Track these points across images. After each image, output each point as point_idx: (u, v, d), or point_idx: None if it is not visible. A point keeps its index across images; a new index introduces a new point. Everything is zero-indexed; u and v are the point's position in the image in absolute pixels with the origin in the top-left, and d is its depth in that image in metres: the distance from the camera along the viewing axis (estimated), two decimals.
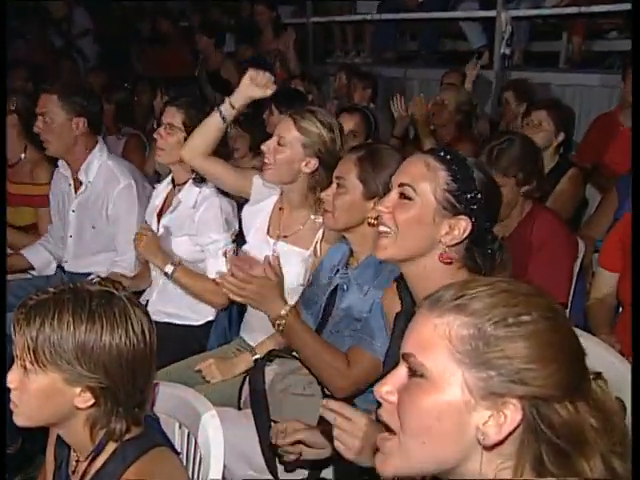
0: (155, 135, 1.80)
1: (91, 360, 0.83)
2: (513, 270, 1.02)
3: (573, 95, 3.36)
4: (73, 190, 2.04)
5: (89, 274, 1.88)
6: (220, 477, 1.00)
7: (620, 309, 1.67)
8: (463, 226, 0.96)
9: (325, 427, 1.02)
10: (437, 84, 3.28)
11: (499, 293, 0.64)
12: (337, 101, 3.44)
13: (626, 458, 0.64)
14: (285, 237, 1.58)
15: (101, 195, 1.98)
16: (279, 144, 1.52)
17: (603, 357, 1.11)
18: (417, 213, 0.96)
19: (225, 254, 1.58)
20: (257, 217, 1.66)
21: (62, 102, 1.93)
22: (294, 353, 1.35)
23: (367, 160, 1.31)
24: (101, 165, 1.99)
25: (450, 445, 0.63)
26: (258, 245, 1.61)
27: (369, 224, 1.15)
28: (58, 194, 2.10)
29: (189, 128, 1.71)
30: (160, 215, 1.84)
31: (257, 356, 1.53)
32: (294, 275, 1.50)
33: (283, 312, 1.25)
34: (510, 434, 0.62)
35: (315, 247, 1.53)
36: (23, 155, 2.23)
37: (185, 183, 1.80)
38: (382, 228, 0.99)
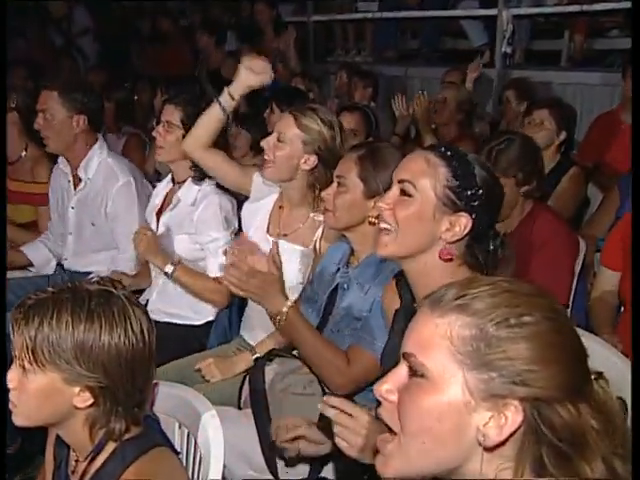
0: (154, 133, 1.80)
1: (90, 360, 0.83)
2: (515, 270, 1.01)
3: (574, 94, 3.35)
4: (72, 187, 2.03)
5: (90, 273, 1.87)
6: (220, 477, 1.00)
7: (622, 308, 1.67)
8: (464, 223, 0.95)
9: (324, 423, 1.02)
10: (438, 83, 3.28)
11: (501, 293, 0.64)
12: (338, 100, 3.43)
13: (628, 460, 0.64)
14: (285, 235, 1.57)
15: (100, 192, 1.97)
16: (279, 140, 1.52)
17: (604, 357, 1.11)
18: (417, 210, 0.96)
19: (225, 252, 1.58)
20: (257, 215, 1.65)
21: (63, 99, 1.93)
22: (294, 352, 1.34)
23: (368, 159, 1.31)
24: (101, 162, 1.99)
25: (450, 446, 0.62)
26: (258, 243, 1.61)
27: (370, 223, 1.14)
28: (57, 191, 2.10)
29: (187, 126, 1.71)
30: (160, 214, 1.84)
31: (257, 355, 1.53)
32: (294, 273, 1.50)
33: (284, 308, 1.25)
34: (511, 435, 0.61)
35: (315, 245, 1.53)
36: (24, 153, 2.23)
37: (185, 181, 1.80)
38: (383, 225, 0.99)
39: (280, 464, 1.24)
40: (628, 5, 2.83)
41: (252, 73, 1.57)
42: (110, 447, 0.88)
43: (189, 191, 1.78)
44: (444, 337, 0.63)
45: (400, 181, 0.98)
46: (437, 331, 0.63)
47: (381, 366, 1.10)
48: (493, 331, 0.62)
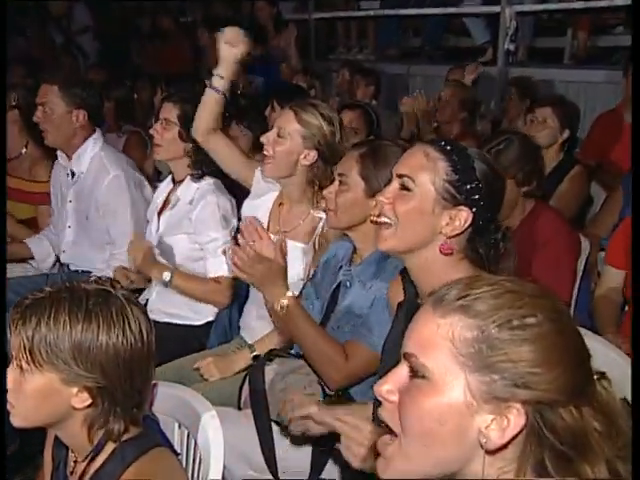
0: (151, 131, 1.79)
1: (88, 360, 0.82)
2: (516, 269, 1.00)
3: (578, 91, 3.33)
4: (70, 180, 2.03)
5: (88, 272, 1.87)
6: (220, 477, 0.99)
7: (626, 307, 1.66)
8: (464, 217, 0.95)
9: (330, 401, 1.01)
10: (440, 80, 3.26)
11: (504, 294, 0.63)
12: (339, 98, 3.42)
13: (630, 462, 0.63)
14: (285, 232, 1.57)
15: (92, 186, 1.97)
16: (279, 136, 1.51)
17: (607, 356, 1.10)
18: (417, 204, 0.96)
19: (224, 252, 1.57)
20: (257, 212, 1.65)
21: (62, 93, 1.92)
22: (292, 351, 1.34)
23: (369, 157, 1.30)
24: (94, 156, 1.98)
25: (451, 448, 0.62)
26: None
27: (372, 221, 1.14)
28: (57, 185, 2.09)
29: (184, 123, 1.71)
30: (161, 213, 1.83)
31: (256, 353, 1.52)
32: (294, 270, 1.49)
33: (285, 298, 1.24)
34: (513, 438, 0.61)
35: (314, 242, 1.53)
36: (24, 150, 2.23)
37: (184, 180, 1.79)
38: (383, 219, 0.99)
39: (280, 465, 1.24)
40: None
41: (230, 47, 1.57)
42: (109, 448, 0.87)
43: (188, 189, 1.77)
44: (446, 338, 0.62)
45: (399, 176, 0.98)
46: (439, 332, 0.63)
47: (381, 358, 1.10)
48: (495, 333, 0.61)
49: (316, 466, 1.23)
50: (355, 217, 1.31)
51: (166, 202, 1.84)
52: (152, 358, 0.88)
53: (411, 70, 4.06)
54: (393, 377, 0.65)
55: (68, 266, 2.08)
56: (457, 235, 0.96)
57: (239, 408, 1.39)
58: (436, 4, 4.03)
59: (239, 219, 1.74)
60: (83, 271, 1.99)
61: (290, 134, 1.50)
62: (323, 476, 1.22)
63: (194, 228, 1.73)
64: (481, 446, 0.61)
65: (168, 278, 1.66)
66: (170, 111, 1.75)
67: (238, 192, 1.79)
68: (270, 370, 1.31)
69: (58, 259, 2.11)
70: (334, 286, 1.34)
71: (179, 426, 1.08)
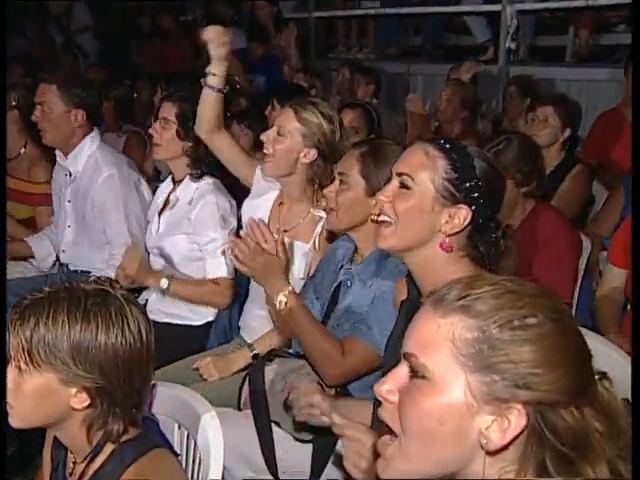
0: (150, 131, 1.79)
1: (86, 360, 0.82)
2: (517, 269, 1.00)
3: (580, 90, 3.32)
4: (68, 180, 2.03)
5: (88, 272, 1.87)
6: (220, 478, 0.99)
7: (628, 306, 1.65)
8: (463, 215, 0.95)
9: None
10: (441, 79, 3.25)
11: (504, 294, 0.63)
12: (339, 97, 3.41)
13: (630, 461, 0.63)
14: (285, 231, 1.57)
15: (88, 185, 1.96)
16: (279, 134, 1.51)
17: (608, 356, 1.10)
18: (416, 202, 0.96)
19: (223, 253, 1.56)
20: (257, 212, 1.65)
21: (61, 92, 1.92)
22: (292, 350, 1.33)
23: (370, 156, 1.30)
24: (90, 155, 1.97)
25: (452, 448, 0.61)
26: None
27: (372, 220, 1.13)
28: (57, 185, 2.09)
29: (182, 121, 1.70)
30: (161, 214, 1.83)
31: (255, 351, 1.52)
32: (294, 268, 1.49)
33: (285, 292, 1.24)
34: (514, 439, 0.60)
35: (315, 240, 1.52)
36: (23, 150, 2.23)
37: (183, 180, 1.79)
38: (383, 217, 0.99)
39: (280, 465, 1.24)
40: None
41: (216, 44, 1.57)
42: (108, 448, 0.87)
43: (187, 189, 1.77)
44: (446, 338, 0.62)
45: (399, 174, 0.98)
46: (439, 332, 0.62)
47: (384, 357, 1.10)
48: (496, 333, 0.61)
49: (317, 466, 1.23)
50: (356, 217, 1.30)
51: (166, 202, 1.84)
52: (151, 358, 0.87)
53: (412, 69, 4.05)
54: (393, 377, 0.65)
55: (67, 266, 2.08)
56: (457, 233, 0.96)
57: (239, 408, 1.39)
58: (437, 2, 4.02)
59: (239, 219, 1.74)
60: (83, 271, 1.98)
61: (290, 132, 1.50)
62: (326, 476, 1.22)
63: (193, 228, 1.73)
64: (481, 447, 0.61)
65: (165, 286, 1.66)
66: (169, 110, 1.75)
67: (238, 192, 1.79)
68: (270, 370, 1.31)
69: (58, 259, 2.11)
70: (335, 285, 1.34)
71: (179, 427, 1.08)
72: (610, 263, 1.69)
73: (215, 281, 1.69)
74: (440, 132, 2.72)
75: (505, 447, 0.61)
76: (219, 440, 1.00)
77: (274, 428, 1.27)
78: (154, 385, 1.03)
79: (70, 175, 2.01)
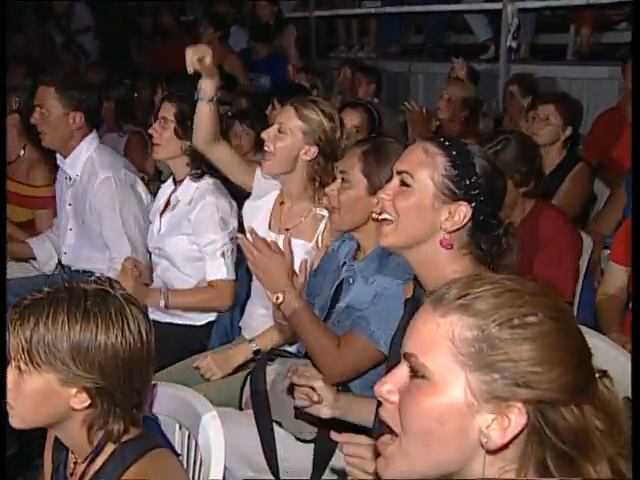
0: (150, 130, 1.79)
1: (86, 360, 0.81)
2: (518, 268, 1.00)
3: (581, 88, 3.31)
4: (68, 183, 2.03)
5: (89, 272, 1.87)
6: (221, 478, 0.99)
7: (630, 304, 1.65)
8: (463, 212, 0.95)
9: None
10: (442, 78, 3.25)
11: (504, 293, 0.63)
12: (340, 96, 3.41)
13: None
14: (287, 230, 1.56)
15: (85, 189, 1.96)
16: (280, 131, 1.51)
17: (609, 354, 1.09)
18: (416, 200, 0.96)
19: (223, 254, 1.56)
20: (258, 213, 1.64)
21: (59, 95, 1.91)
22: (292, 350, 1.33)
23: (371, 154, 1.30)
24: (88, 158, 1.97)
25: (452, 448, 0.61)
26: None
27: (373, 219, 1.13)
28: (59, 187, 2.10)
29: (181, 121, 1.70)
30: (163, 214, 1.82)
31: (255, 347, 1.52)
32: (296, 267, 1.49)
33: (283, 292, 1.24)
34: (514, 438, 0.60)
35: (317, 239, 1.52)
36: (22, 152, 2.23)
37: (184, 180, 1.79)
38: (383, 215, 0.99)
39: (281, 465, 1.23)
40: None
41: (198, 62, 1.56)
42: (109, 449, 0.87)
43: (187, 189, 1.77)
44: (446, 337, 0.62)
45: (399, 172, 0.99)
46: (439, 331, 0.62)
47: (388, 353, 1.10)
48: (496, 332, 0.60)
49: (318, 466, 1.22)
50: (358, 216, 1.30)
51: (168, 203, 1.84)
52: (151, 358, 0.87)
53: (413, 68, 4.05)
54: (393, 377, 0.65)
55: (69, 267, 2.08)
56: (457, 230, 0.96)
57: (240, 408, 1.39)
58: (438, 1, 4.01)
59: (239, 220, 1.74)
60: (84, 271, 1.98)
61: (291, 130, 1.50)
62: (325, 477, 1.22)
63: (193, 229, 1.73)
64: (482, 446, 0.61)
65: (163, 304, 1.66)
66: (168, 110, 1.75)
67: (238, 193, 1.79)
68: (271, 370, 1.30)
69: (59, 261, 2.11)
70: (337, 283, 1.34)
71: (180, 427, 1.08)
72: (612, 261, 1.69)
73: (214, 284, 1.69)
74: (441, 131, 2.72)
75: (505, 446, 0.60)
76: (220, 440, 1.00)
77: (275, 428, 1.27)
78: (155, 385, 1.03)
79: (70, 179, 2.01)
